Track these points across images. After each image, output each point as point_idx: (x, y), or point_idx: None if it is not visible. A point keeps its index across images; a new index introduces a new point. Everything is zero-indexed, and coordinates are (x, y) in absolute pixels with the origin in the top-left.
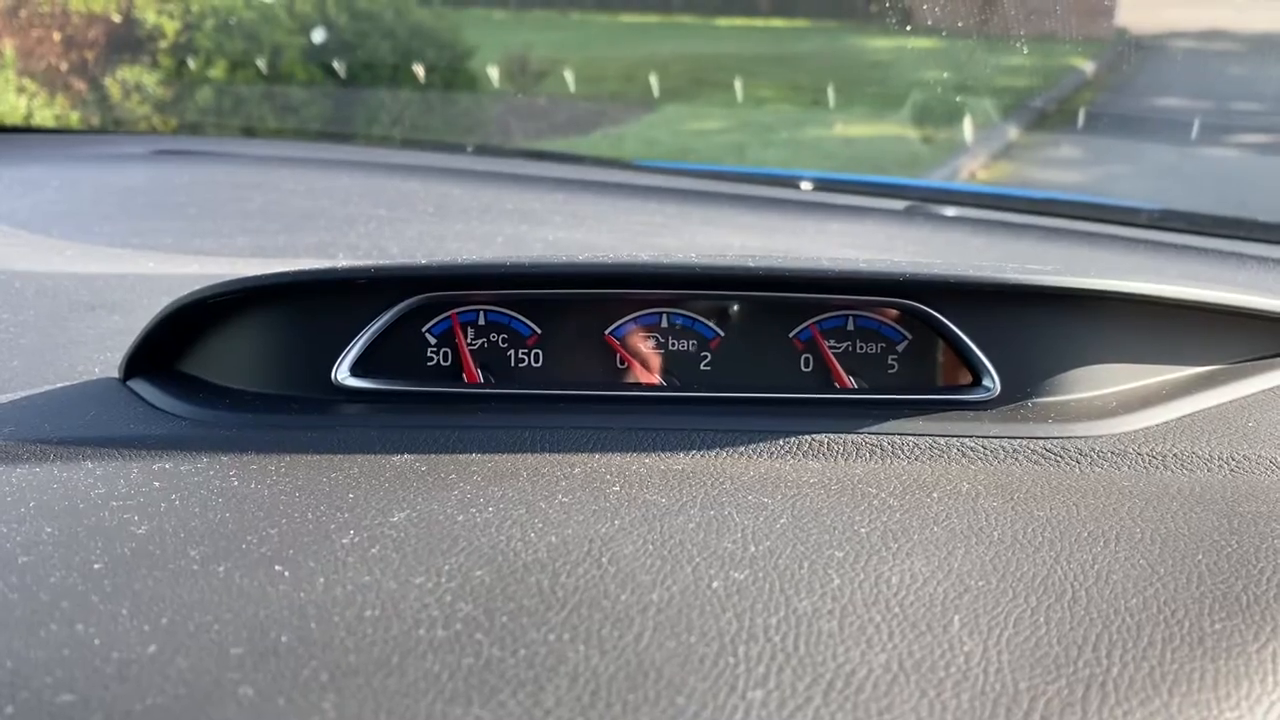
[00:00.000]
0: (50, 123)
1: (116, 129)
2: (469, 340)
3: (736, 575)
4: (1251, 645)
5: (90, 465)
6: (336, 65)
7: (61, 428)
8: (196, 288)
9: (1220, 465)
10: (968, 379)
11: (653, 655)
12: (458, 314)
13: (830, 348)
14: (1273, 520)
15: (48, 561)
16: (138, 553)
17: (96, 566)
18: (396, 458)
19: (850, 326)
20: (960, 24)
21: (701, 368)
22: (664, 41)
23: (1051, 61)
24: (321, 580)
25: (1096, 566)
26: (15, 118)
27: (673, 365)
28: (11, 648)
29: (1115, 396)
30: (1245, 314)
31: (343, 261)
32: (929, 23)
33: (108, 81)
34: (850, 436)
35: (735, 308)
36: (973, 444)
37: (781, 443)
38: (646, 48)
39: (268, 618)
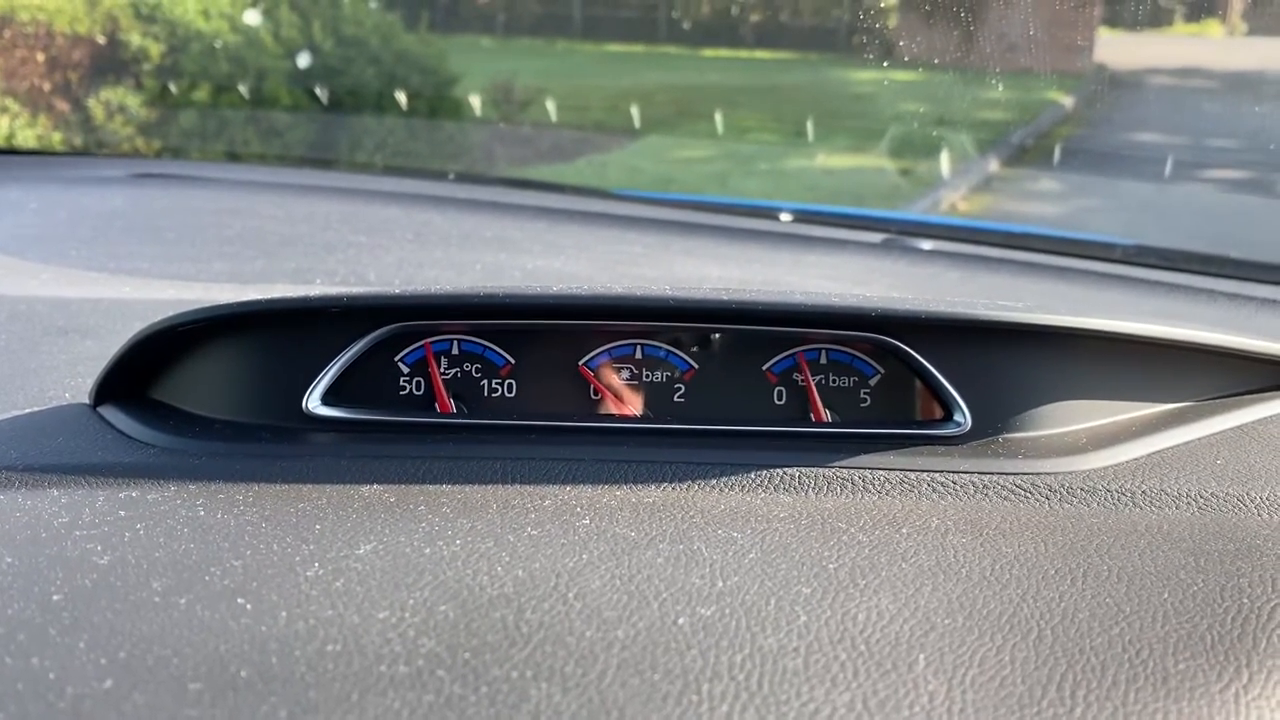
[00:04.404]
0: (32, 143)
1: (99, 150)
2: (442, 370)
3: (703, 611)
4: (1215, 685)
5: (56, 493)
6: (321, 90)
7: (29, 454)
8: (170, 314)
9: (1188, 503)
10: (939, 414)
11: (615, 693)
12: (431, 343)
13: (803, 381)
14: (1239, 559)
15: (6, 593)
16: (99, 584)
17: (56, 598)
18: (365, 488)
19: (823, 360)
20: (940, 59)
21: (675, 399)
22: (649, 71)
23: (1031, 96)
24: (284, 614)
25: (1063, 604)
26: None
27: (646, 397)
28: None
29: (1085, 433)
30: (1215, 352)
31: (319, 288)
32: (909, 57)
33: (91, 103)
34: (821, 470)
35: (709, 340)
36: (943, 479)
37: (753, 476)
38: (632, 77)
39: (228, 652)
